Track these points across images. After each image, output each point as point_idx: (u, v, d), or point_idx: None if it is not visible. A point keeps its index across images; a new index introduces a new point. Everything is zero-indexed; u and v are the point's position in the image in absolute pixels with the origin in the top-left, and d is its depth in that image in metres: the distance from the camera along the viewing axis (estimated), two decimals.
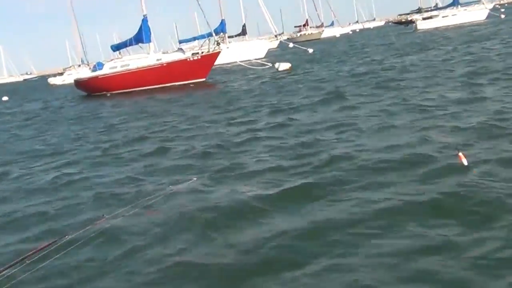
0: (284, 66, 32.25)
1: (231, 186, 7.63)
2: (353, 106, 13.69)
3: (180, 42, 46.06)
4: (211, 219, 6.27)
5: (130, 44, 32.79)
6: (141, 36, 32.15)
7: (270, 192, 7.05)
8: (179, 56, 31.52)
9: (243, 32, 62.29)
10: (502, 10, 70.50)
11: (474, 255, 4.58)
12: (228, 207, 6.61)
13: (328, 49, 51.27)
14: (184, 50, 34.76)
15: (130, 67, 31.08)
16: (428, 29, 62.76)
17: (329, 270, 4.68)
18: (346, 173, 7.42)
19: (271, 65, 34.08)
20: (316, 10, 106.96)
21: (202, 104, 19.96)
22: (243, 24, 63.00)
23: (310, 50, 47.01)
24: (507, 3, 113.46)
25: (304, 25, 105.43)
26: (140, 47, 32.81)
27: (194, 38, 44.38)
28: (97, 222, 5.25)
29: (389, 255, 4.76)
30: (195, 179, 7.70)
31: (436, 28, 60.66)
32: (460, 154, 6.40)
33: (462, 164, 6.30)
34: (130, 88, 30.62)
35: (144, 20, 32.19)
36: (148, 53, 32.18)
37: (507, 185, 6.02)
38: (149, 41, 32.34)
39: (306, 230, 5.59)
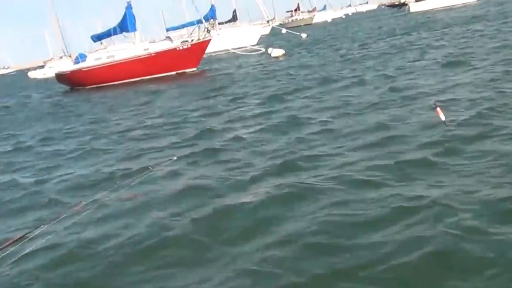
0: (277, 52, 31.47)
1: (209, 165, 8.30)
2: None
3: (168, 30, 44.79)
4: (190, 197, 6.74)
5: (114, 33, 31.45)
6: (126, 25, 30.84)
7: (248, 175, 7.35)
8: (167, 45, 30.33)
9: (234, 18, 61.10)
10: None
11: None
12: (204, 185, 7.17)
13: (321, 34, 50.34)
14: (172, 38, 33.60)
15: (116, 58, 29.86)
16: (421, 11, 62.07)
17: None
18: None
19: (264, 51, 33.19)
20: None
21: (190, 94, 19.49)
22: (233, 9, 61.84)
23: (304, 36, 46.23)
24: None
25: (295, 10, 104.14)
26: (125, 36, 31.52)
27: (183, 26, 43.14)
28: (75, 207, 5.50)
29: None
30: (175, 158, 8.04)
31: (429, 10, 60.04)
32: (438, 109, 6.57)
33: (440, 119, 6.53)
34: (116, 81, 29.44)
35: (128, 8, 30.86)
36: (134, 43, 30.97)
37: None
38: (134, 29, 31.09)
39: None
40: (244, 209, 6.05)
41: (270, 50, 32.00)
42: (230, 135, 10.58)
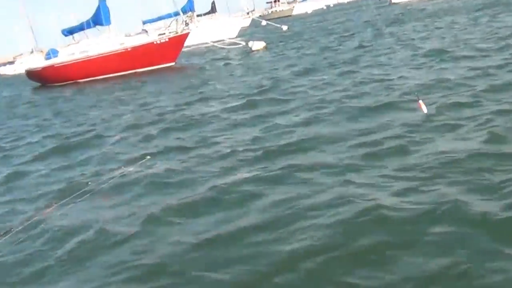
0: (258, 45, 30.86)
1: (182, 163, 8.19)
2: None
3: (144, 22, 43.78)
4: (160, 199, 6.66)
5: (88, 27, 30.50)
6: (99, 18, 29.92)
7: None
8: (144, 39, 29.50)
9: (213, 10, 60.25)
10: None
11: None
12: (179, 183, 7.18)
13: (302, 26, 49.93)
14: (149, 31, 32.77)
15: (90, 53, 28.97)
16: (403, 1, 61.93)
17: None
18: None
19: (244, 44, 32.55)
20: None
21: (166, 90, 19.13)
22: (212, 1, 60.94)
23: (284, 28, 45.71)
24: None
25: (275, 1, 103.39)
26: (98, 29, 30.58)
27: (159, 18, 42.25)
28: (46, 210, 5.67)
29: None
30: (148, 157, 7.94)
31: (411, 1, 60.02)
32: (420, 101, 6.67)
33: (422, 112, 6.67)
34: (90, 77, 28.60)
35: (102, 0, 29.99)
36: (109, 37, 30.08)
37: None
38: (109, 23, 30.18)
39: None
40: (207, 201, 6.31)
41: (250, 43, 31.38)
42: (204, 131, 10.52)
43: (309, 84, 14.30)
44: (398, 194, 5.59)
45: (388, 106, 9.76)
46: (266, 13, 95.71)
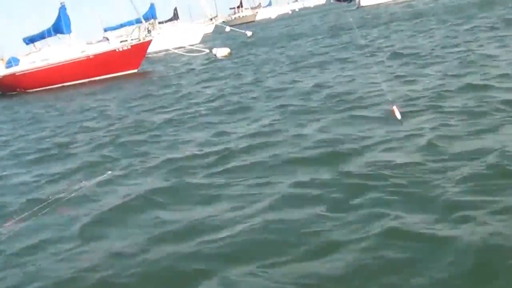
0: (222, 51, 31.16)
1: (142, 178, 7.94)
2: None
3: (106, 30, 43.77)
4: (119, 214, 6.47)
5: (48, 35, 30.53)
6: (60, 26, 29.97)
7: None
8: (106, 46, 29.66)
9: (175, 17, 60.41)
10: None
11: None
12: (138, 198, 6.91)
13: (266, 32, 50.41)
14: (110, 38, 32.87)
15: (51, 61, 29.01)
16: (371, 5, 62.77)
17: None
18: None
19: (208, 51, 32.82)
20: None
21: (127, 98, 19.19)
22: (174, 7, 61.17)
23: (249, 33, 46.02)
24: None
25: (238, 7, 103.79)
26: (59, 38, 30.64)
27: (121, 25, 42.21)
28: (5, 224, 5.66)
29: None
30: (109, 172, 7.89)
31: (379, 4, 60.91)
32: (394, 107, 6.75)
33: (396, 118, 6.74)
34: (52, 85, 28.62)
35: (62, 8, 30.02)
36: (70, 45, 30.13)
37: None
38: (69, 31, 30.25)
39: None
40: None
41: (214, 50, 31.68)
42: (163, 141, 10.51)
43: (268, 93, 14.32)
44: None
45: (357, 112, 9.89)
46: (230, 19, 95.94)
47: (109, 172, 7.90)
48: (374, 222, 5.10)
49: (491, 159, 6.21)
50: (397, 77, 12.95)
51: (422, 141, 7.35)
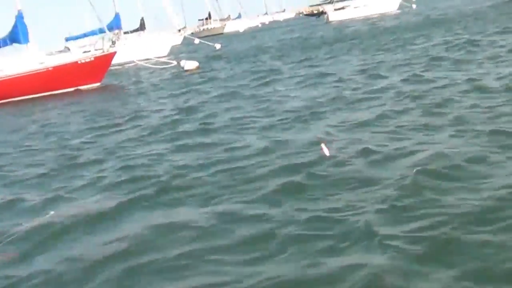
0: (190, 64, 30.19)
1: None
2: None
3: (67, 39, 42.50)
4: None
5: (4, 45, 28.93)
6: (17, 35, 28.37)
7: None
8: (67, 57, 28.29)
9: (141, 27, 59.05)
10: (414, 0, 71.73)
11: None
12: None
13: (236, 45, 49.98)
14: (72, 48, 31.58)
15: (6, 73, 27.47)
16: (340, 20, 63.21)
17: None
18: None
19: (176, 63, 31.84)
20: (217, 1, 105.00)
21: (85, 115, 18.10)
22: (141, 17, 59.81)
23: (218, 46, 45.30)
24: None
25: (206, 18, 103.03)
26: (16, 48, 29.07)
27: (84, 35, 41.04)
28: None
29: None
30: (52, 212, 7.25)
31: (348, 20, 61.43)
32: (322, 145, 6.87)
33: (324, 155, 6.79)
34: (7, 98, 27.05)
35: (19, 16, 28.48)
36: (28, 55, 28.64)
37: None
38: (27, 41, 28.68)
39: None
40: None
41: (182, 62, 30.72)
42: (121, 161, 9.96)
43: (232, 113, 13.85)
44: None
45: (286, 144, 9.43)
46: (198, 30, 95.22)
47: (52, 212, 7.23)
48: None
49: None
50: None
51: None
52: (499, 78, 12.23)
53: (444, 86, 12.49)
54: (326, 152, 6.96)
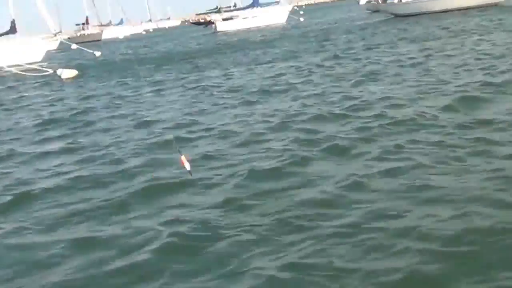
0: (68, 73, 28.40)
1: None
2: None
3: None
4: None
5: None
6: None
7: None
8: None
9: (12, 30, 55.55)
10: (301, 12, 73.26)
11: None
12: None
13: (117, 54, 48.22)
14: None
15: None
16: (228, 30, 63.22)
17: None
18: None
19: (51, 71, 29.65)
20: (94, 6, 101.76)
21: None
22: (12, 20, 56.26)
23: (97, 54, 43.37)
24: (305, 4, 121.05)
25: (84, 23, 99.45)
26: None
27: None
28: None
29: None
30: None
31: (237, 30, 61.65)
32: (182, 157, 6.54)
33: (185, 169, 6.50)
34: None
35: None
36: None
37: None
38: None
39: None
40: None
41: (59, 70, 28.64)
42: None
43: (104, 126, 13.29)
44: None
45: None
46: (75, 36, 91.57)
47: None
48: None
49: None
50: None
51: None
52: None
53: None
54: (188, 166, 6.44)
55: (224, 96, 15.79)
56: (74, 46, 51.68)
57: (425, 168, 7.12)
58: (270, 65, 22.82)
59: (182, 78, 21.88)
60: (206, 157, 9.01)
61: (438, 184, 6.49)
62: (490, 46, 18.87)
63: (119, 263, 5.49)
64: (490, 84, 12.04)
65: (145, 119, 13.43)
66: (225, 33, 59.16)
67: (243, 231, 5.89)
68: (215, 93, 16.58)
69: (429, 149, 7.91)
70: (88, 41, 79.11)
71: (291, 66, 21.10)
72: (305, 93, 14.22)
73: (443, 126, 9.00)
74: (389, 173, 7.12)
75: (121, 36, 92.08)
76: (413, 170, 7.11)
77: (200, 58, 30.66)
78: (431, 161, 7.35)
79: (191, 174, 6.71)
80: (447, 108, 10.25)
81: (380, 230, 5.52)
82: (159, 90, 19.00)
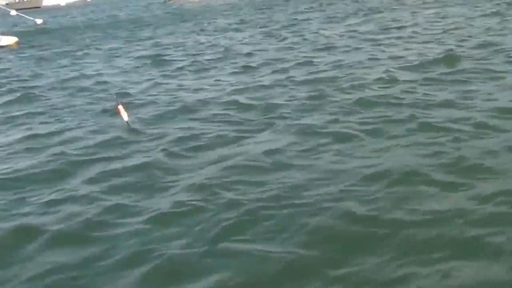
0: (7, 40, 27.79)
1: None
2: None
3: None
4: None
5: None
6: None
7: None
8: None
9: None
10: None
11: None
12: None
13: (61, 20, 47.04)
14: None
15: None
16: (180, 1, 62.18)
17: None
18: None
19: None
20: None
21: None
22: None
23: (39, 21, 41.91)
24: None
25: None
26: None
27: None
28: None
29: None
30: None
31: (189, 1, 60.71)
32: (120, 106, 6.33)
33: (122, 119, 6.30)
34: None
35: None
36: None
37: None
38: None
39: None
40: None
41: None
42: None
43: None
44: None
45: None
46: (13, 2, 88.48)
47: None
48: None
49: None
50: None
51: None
52: None
53: None
54: (125, 116, 6.42)
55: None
56: (13, 12, 49.65)
57: None
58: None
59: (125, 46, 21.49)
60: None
61: None
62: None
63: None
64: None
65: (84, 85, 13.56)
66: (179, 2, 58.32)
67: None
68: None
69: None
70: (28, 8, 76.56)
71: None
72: None
73: None
74: None
75: (63, 3, 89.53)
76: None
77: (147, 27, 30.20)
78: None
79: (128, 125, 6.56)
80: None
81: None
82: (102, 57, 18.65)
